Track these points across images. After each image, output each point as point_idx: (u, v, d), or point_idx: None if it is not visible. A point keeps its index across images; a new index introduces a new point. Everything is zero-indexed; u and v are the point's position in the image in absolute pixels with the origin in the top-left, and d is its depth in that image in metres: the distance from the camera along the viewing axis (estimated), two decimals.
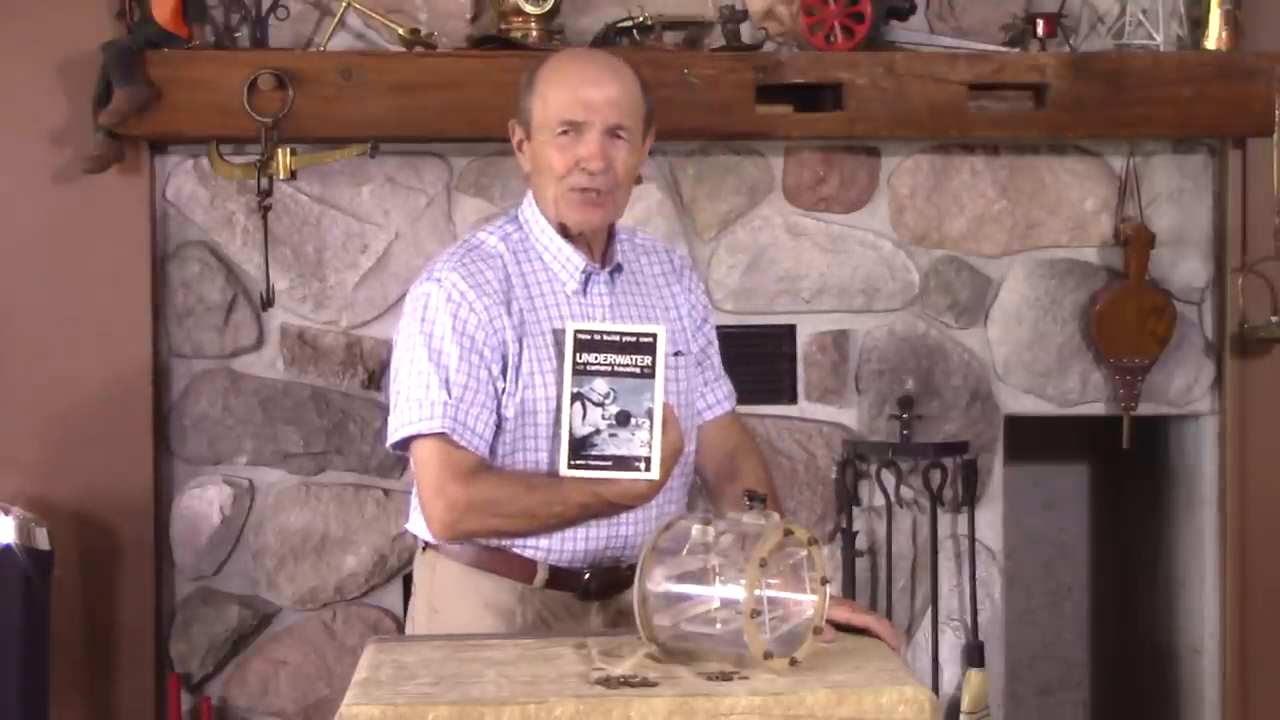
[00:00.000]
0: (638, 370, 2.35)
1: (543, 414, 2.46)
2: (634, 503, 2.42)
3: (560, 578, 2.52)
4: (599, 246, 2.58)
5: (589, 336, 2.36)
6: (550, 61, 2.56)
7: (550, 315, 2.50)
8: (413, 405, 2.45)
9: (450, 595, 2.55)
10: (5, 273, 3.67)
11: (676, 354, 2.58)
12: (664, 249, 2.72)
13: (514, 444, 2.48)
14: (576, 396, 2.35)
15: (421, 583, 2.63)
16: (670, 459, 2.37)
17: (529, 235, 2.56)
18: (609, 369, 2.35)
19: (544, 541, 2.50)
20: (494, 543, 2.51)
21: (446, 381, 2.44)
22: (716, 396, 2.71)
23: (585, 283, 2.54)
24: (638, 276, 2.63)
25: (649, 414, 2.34)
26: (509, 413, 2.47)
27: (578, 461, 2.36)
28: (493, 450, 2.48)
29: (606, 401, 2.35)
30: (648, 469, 2.34)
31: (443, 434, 2.43)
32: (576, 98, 2.47)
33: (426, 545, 2.58)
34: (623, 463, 2.35)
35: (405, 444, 2.49)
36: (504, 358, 2.47)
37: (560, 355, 2.41)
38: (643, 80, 2.56)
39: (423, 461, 2.47)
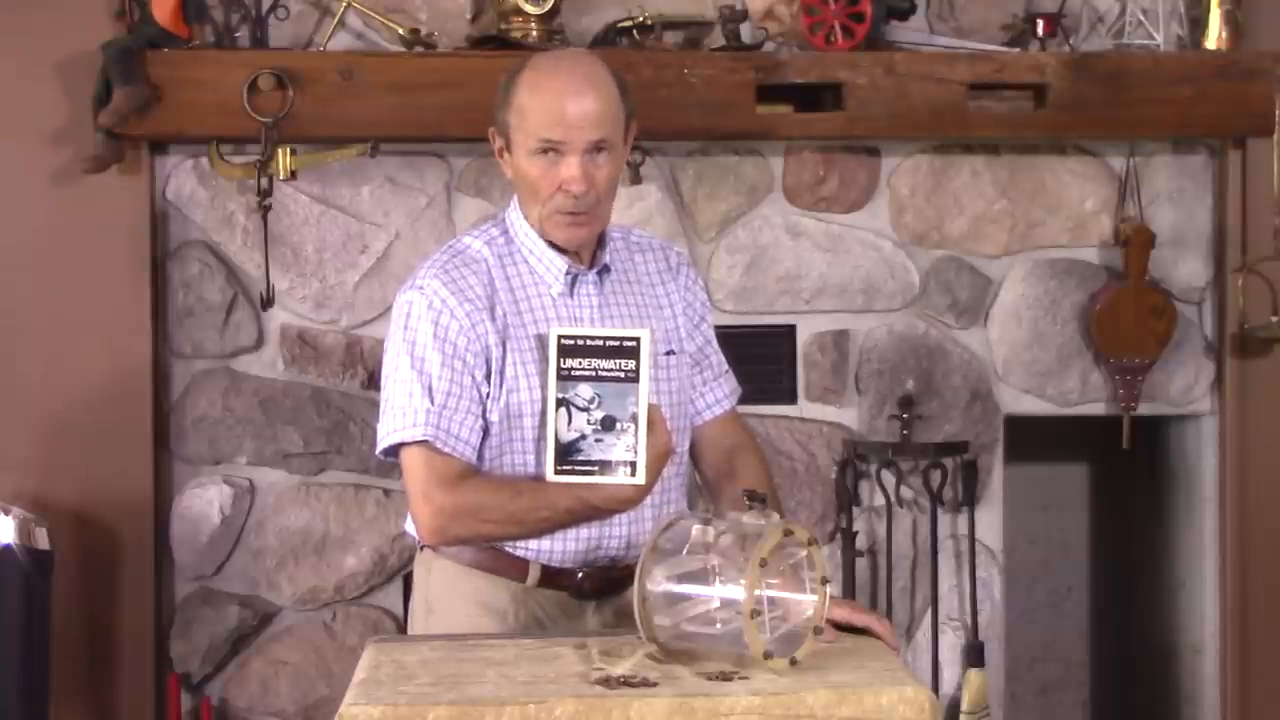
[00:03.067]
0: (622, 374, 2.33)
1: (528, 418, 2.46)
2: (620, 508, 2.41)
3: (553, 577, 2.51)
4: (587, 249, 2.57)
5: (572, 341, 2.34)
6: (526, 71, 2.49)
7: (536, 319, 2.50)
8: (397, 413, 2.45)
9: (445, 595, 2.55)
10: (5, 273, 3.67)
11: (669, 353, 2.58)
12: (660, 246, 2.70)
13: (500, 448, 2.48)
14: (561, 402, 2.33)
15: (418, 583, 2.63)
16: (656, 463, 2.35)
17: (514, 239, 2.55)
18: (593, 373, 2.33)
19: (535, 541, 2.50)
20: None
21: (429, 389, 2.44)
22: (716, 396, 2.70)
23: (572, 284, 2.53)
24: (629, 275, 2.61)
25: (634, 418, 2.32)
26: (494, 417, 2.46)
27: (564, 467, 2.34)
28: (480, 455, 2.48)
29: (591, 406, 2.33)
30: (633, 474, 2.32)
31: (426, 441, 2.43)
32: (555, 115, 2.43)
33: (423, 545, 2.58)
34: (608, 468, 2.33)
35: (395, 452, 2.49)
36: (488, 362, 2.46)
37: (545, 359, 2.40)
38: (621, 81, 2.51)
39: (409, 469, 2.47)
